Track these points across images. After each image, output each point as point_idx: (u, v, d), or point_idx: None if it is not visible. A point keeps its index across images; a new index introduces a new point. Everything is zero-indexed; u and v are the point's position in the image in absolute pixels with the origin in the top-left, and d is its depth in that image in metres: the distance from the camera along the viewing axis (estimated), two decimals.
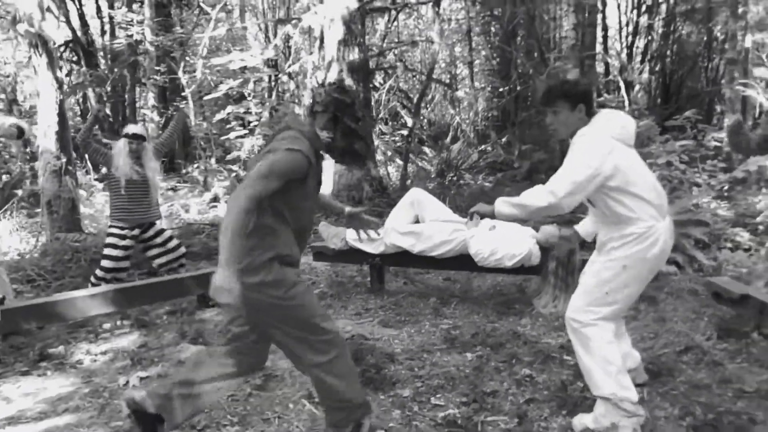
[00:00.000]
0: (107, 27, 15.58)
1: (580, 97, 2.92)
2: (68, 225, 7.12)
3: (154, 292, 4.55)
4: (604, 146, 2.74)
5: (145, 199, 5.27)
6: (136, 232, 5.23)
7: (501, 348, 3.99)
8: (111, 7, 14.91)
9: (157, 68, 11.12)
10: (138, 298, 4.47)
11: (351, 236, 5.18)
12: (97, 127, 5.15)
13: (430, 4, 10.38)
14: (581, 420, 2.93)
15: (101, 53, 15.17)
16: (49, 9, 6.80)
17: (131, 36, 11.13)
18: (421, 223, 5.13)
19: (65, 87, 9.33)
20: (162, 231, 5.44)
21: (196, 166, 10.50)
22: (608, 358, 2.84)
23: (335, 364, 2.68)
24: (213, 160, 10.41)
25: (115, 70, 13.44)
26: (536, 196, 2.79)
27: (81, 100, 16.05)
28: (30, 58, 6.94)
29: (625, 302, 2.94)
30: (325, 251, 5.31)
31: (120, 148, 5.15)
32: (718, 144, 8.49)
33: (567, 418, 3.04)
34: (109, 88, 13.63)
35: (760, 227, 5.88)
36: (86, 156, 8.53)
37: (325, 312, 2.79)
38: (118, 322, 4.59)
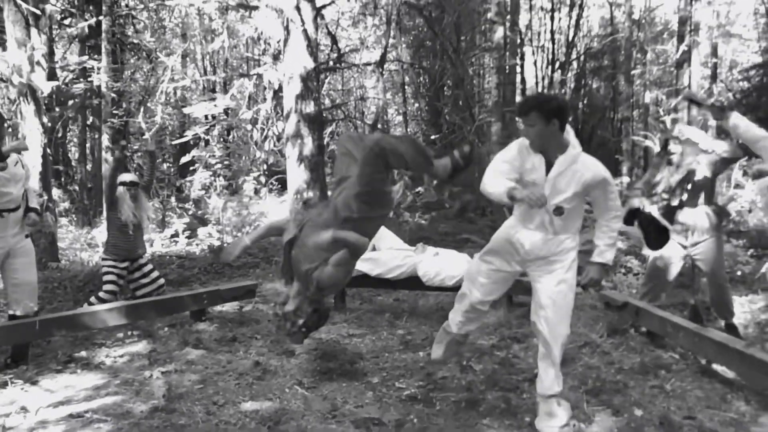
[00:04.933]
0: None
1: (554, 113, 3.08)
2: (49, 257, 7.75)
3: (159, 307, 5.40)
4: None
5: (139, 236, 6.02)
6: (126, 264, 5.86)
7: None
8: (51, 52, 15.38)
9: (115, 111, 11.84)
10: (146, 312, 5.32)
11: None
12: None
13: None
14: (547, 426, 3.37)
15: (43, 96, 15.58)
16: (38, 63, 7.59)
17: (91, 81, 11.85)
18: (377, 251, 6.16)
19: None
20: (146, 263, 6.04)
21: (151, 203, 11.20)
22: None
23: None
24: (173, 199, 11.17)
25: (67, 113, 13.97)
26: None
27: None
28: (18, 105, 7.63)
29: None
30: None
31: (121, 194, 5.80)
32: (618, 188, 9.97)
33: (500, 392, 4.08)
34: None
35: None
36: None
37: None
38: (128, 333, 5.39)
